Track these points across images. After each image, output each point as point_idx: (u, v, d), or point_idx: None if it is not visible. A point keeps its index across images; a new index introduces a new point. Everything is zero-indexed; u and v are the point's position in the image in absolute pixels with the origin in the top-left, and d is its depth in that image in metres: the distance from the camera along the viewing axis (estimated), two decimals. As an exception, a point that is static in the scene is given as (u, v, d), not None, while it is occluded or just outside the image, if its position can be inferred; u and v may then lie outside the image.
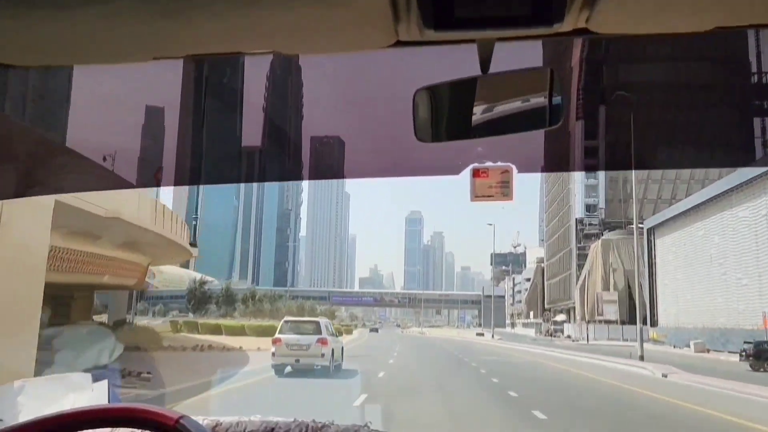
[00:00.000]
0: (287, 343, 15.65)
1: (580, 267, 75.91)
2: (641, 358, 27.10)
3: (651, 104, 53.40)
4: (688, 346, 39.53)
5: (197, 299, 68.75)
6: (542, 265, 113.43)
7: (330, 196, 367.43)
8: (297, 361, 15.59)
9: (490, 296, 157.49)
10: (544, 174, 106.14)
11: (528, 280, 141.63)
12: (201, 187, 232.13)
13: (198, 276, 78.66)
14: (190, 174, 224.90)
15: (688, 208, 47.04)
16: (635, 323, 65.00)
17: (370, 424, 0.78)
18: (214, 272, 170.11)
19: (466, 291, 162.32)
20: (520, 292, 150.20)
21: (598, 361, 25.66)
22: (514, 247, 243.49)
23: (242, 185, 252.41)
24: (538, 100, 1.06)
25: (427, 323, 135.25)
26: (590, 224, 77.70)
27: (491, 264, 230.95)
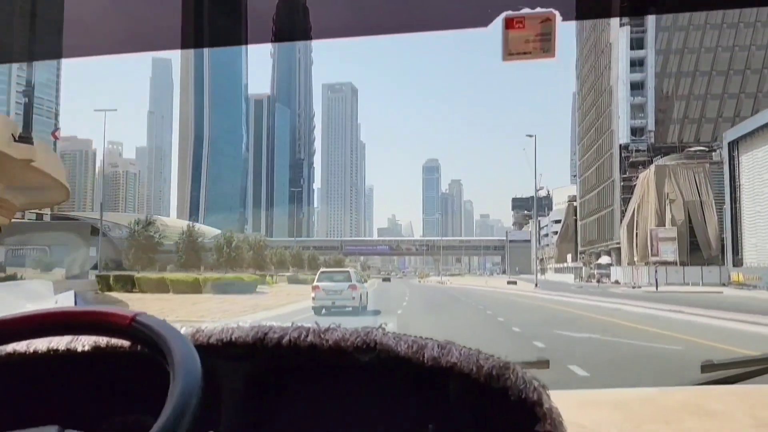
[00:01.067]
0: (324, 289, 18.68)
1: (625, 201, 64.45)
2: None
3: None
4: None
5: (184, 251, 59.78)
6: (574, 203, 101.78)
7: (344, 144, 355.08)
8: (333, 303, 18.56)
9: (515, 241, 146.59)
10: (577, 98, 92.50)
11: (557, 222, 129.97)
12: (207, 139, 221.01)
13: (193, 226, 73.02)
14: (195, 126, 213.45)
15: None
16: (698, 264, 53.81)
17: (384, 325, 0.75)
18: (226, 225, 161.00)
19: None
20: (547, 235, 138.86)
21: (718, 319, 14.97)
22: (537, 191, 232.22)
23: (251, 135, 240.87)
24: None
25: (447, 272, 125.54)
26: (637, 150, 65.60)
27: (512, 209, 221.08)
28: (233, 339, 0.78)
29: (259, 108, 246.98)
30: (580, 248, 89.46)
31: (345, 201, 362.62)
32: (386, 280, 78.04)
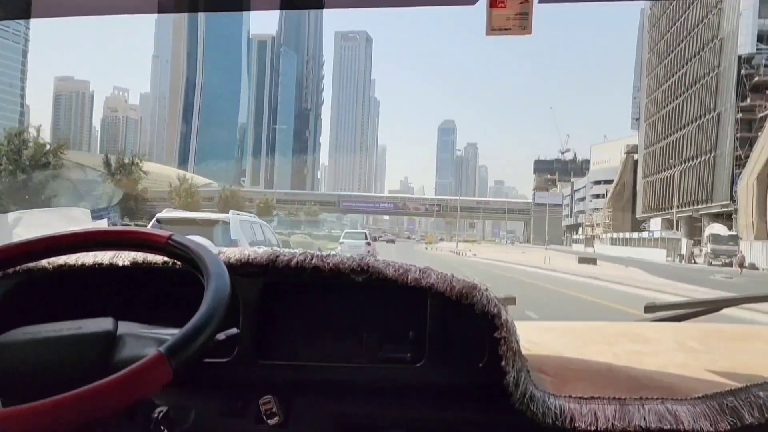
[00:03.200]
0: (347, 245, 22.41)
1: (742, 143, 42.37)
2: None
3: None
4: None
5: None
6: (634, 156, 78.95)
7: (356, 98, 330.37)
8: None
9: (542, 204, 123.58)
10: (650, 12, 68.62)
11: (598, 183, 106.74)
12: (199, 80, 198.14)
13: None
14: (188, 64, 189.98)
15: None
16: None
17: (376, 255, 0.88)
18: (220, 177, 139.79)
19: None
20: (583, 199, 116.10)
21: None
22: (562, 153, 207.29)
23: (252, 79, 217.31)
24: None
25: (458, 237, 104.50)
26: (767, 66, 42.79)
27: (534, 172, 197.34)
28: (250, 260, 0.91)
29: (263, 50, 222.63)
30: (640, 214, 66.94)
31: (354, 158, 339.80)
32: (390, 242, 75.70)
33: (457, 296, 0.85)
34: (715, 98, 46.71)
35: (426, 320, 0.88)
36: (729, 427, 0.73)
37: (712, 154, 46.67)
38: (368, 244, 23.28)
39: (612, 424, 0.76)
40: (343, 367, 0.88)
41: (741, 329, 1.25)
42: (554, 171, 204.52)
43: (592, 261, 26.38)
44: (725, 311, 1.38)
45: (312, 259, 0.89)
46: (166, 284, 0.96)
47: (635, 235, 58.96)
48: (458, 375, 0.87)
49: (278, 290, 0.93)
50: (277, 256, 0.90)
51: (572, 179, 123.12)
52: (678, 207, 49.54)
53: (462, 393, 0.88)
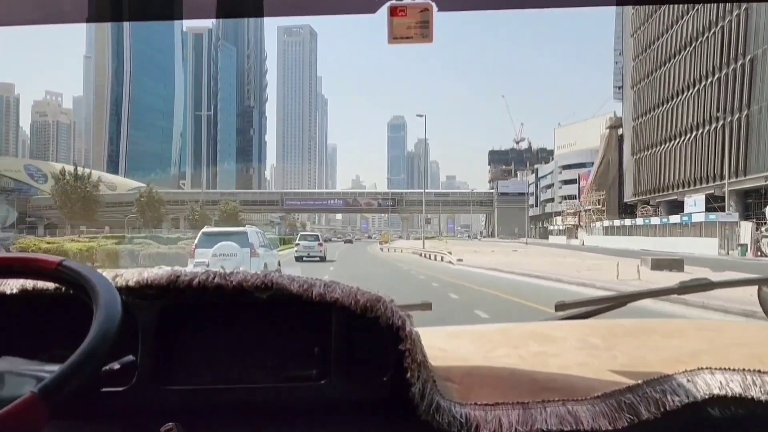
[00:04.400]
0: (303, 246, 28.09)
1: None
2: None
3: None
4: None
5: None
6: (618, 130, 69.10)
7: (302, 94, 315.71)
8: (308, 254, 27.62)
9: (507, 194, 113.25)
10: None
11: (568, 167, 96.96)
12: (128, 75, 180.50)
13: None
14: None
15: None
16: None
17: (280, 270, 0.85)
18: (158, 182, 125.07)
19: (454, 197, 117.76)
20: (551, 186, 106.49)
21: None
22: (517, 142, 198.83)
23: (189, 74, 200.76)
24: None
25: (412, 235, 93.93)
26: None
27: (489, 164, 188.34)
28: (149, 282, 0.86)
29: (199, 43, 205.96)
30: (630, 197, 56.89)
31: (303, 157, 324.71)
32: (348, 242, 77.27)
33: (361, 309, 0.83)
34: (745, 40, 36.61)
35: (331, 336, 0.87)
36: (627, 423, 0.75)
37: (745, 113, 36.52)
38: (320, 245, 28.05)
39: (515, 429, 0.76)
40: (247, 388, 0.85)
41: (641, 324, 1.29)
42: (510, 161, 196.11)
43: (676, 266, 15.11)
44: (633, 304, 1.40)
45: (214, 278, 0.86)
46: (60, 312, 0.90)
47: (628, 222, 48.79)
48: (364, 390, 0.85)
49: (180, 312, 0.89)
50: (178, 277, 0.86)
51: (535, 166, 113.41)
52: (692, 185, 39.21)
53: (368, 407, 0.86)
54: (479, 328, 1.32)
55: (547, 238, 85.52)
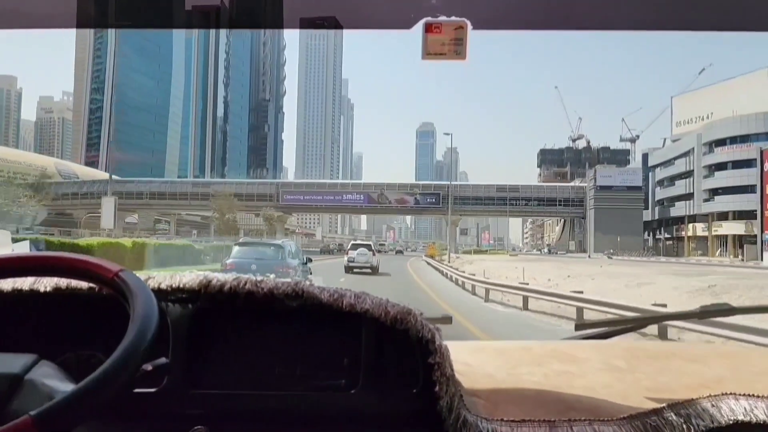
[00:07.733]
0: (354, 255, 26.60)
1: None
2: None
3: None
4: None
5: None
6: None
7: (324, 93, 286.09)
8: (359, 265, 26.59)
9: (608, 187, 76.68)
10: None
11: (722, 143, 59.99)
12: (111, 53, 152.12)
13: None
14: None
15: None
16: None
17: (311, 278, 0.78)
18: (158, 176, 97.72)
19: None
20: (687, 175, 71.52)
21: None
22: (574, 141, 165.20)
23: (192, 58, 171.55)
24: None
25: (461, 246, 61.80)
26: None
27: (539, 165, 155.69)
28: (181, 285, 0.86)
29: (204, 21, 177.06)
30: None
31: (326, 161, 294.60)
32: (399, 252, 78.50)
33: (391, 321, 0.82)
34: None
35: (361, 346, 0.85)
36: None
37: None
38: (372, 254, 27.29)
39: None
40: (276, 395, 0.85)
41: (662, 346, 1.27)
42: (565, 162, 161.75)
43: None
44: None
45: (245, 284, 0.85)
46: (89, 314, 0.89)
47: None
48: (392, 401, 0.84)
49: (211, 316, 0.88)
50: (210, 281, 0.85)
51: (648, 148, 79.04)
52: None
53: (396, 419, 0.85)
54: (501, 344, 1.32)
55: (678, 254, 55.97)
